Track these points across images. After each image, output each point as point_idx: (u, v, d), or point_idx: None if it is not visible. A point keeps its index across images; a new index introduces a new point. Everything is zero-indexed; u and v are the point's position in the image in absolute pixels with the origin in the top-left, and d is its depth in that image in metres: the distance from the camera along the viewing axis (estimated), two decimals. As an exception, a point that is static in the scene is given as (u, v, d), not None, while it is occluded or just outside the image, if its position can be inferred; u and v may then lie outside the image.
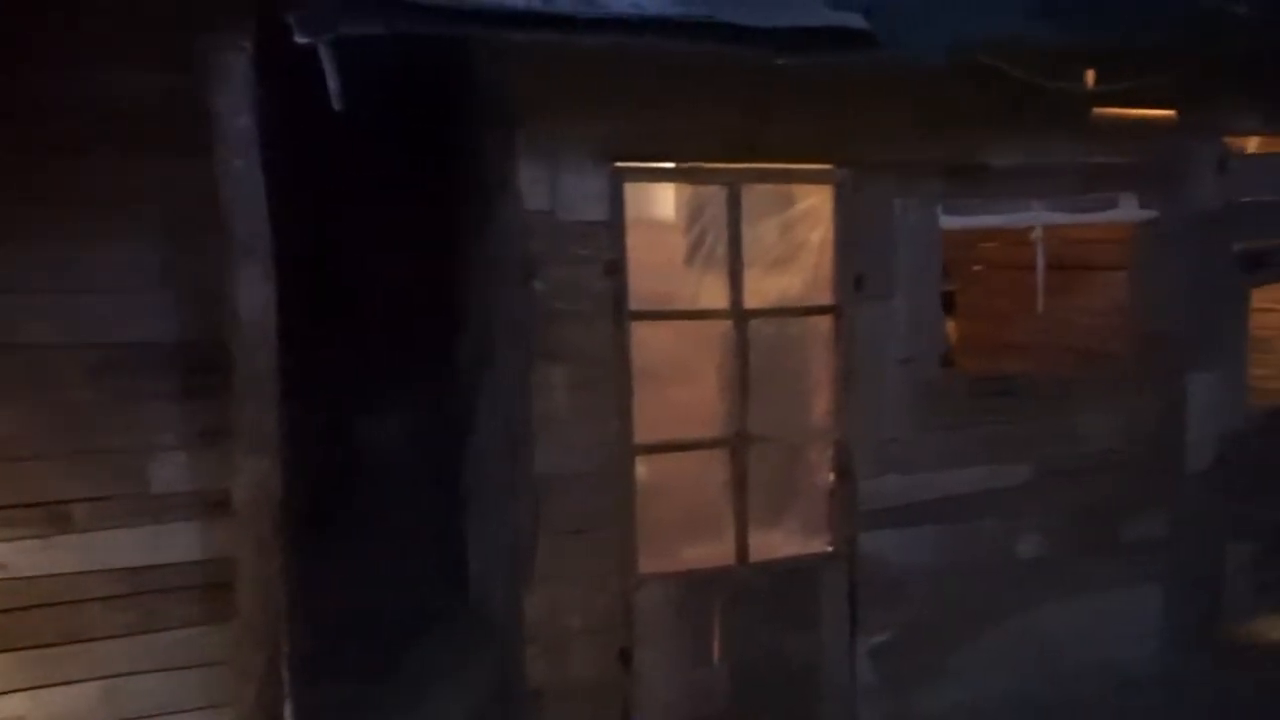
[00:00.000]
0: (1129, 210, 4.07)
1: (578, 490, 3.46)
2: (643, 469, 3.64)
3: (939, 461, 3.95)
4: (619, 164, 3.41)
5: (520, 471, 3.48)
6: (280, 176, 3.03)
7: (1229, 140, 4.36)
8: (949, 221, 3.82)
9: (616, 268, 3.43)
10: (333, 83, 2.61)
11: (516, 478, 3.52)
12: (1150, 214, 4.09)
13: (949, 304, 6.03)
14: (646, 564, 3.62)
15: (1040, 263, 3.89)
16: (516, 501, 3.52)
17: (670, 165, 3.65)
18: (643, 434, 3.58)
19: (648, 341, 3.65)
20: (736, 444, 3.68)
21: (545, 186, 3.37)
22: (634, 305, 3.52)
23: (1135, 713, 4.21)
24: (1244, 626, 4.70)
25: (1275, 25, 3.85)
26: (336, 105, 2.63)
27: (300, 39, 2.60)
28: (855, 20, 3.09)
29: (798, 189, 3.85)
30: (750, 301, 3.70)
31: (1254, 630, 4.79)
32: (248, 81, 2.73)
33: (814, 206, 3.81)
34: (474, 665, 4.14)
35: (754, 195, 3.74)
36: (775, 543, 3.88)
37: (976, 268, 5.60)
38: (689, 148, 3.60)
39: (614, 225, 3.44)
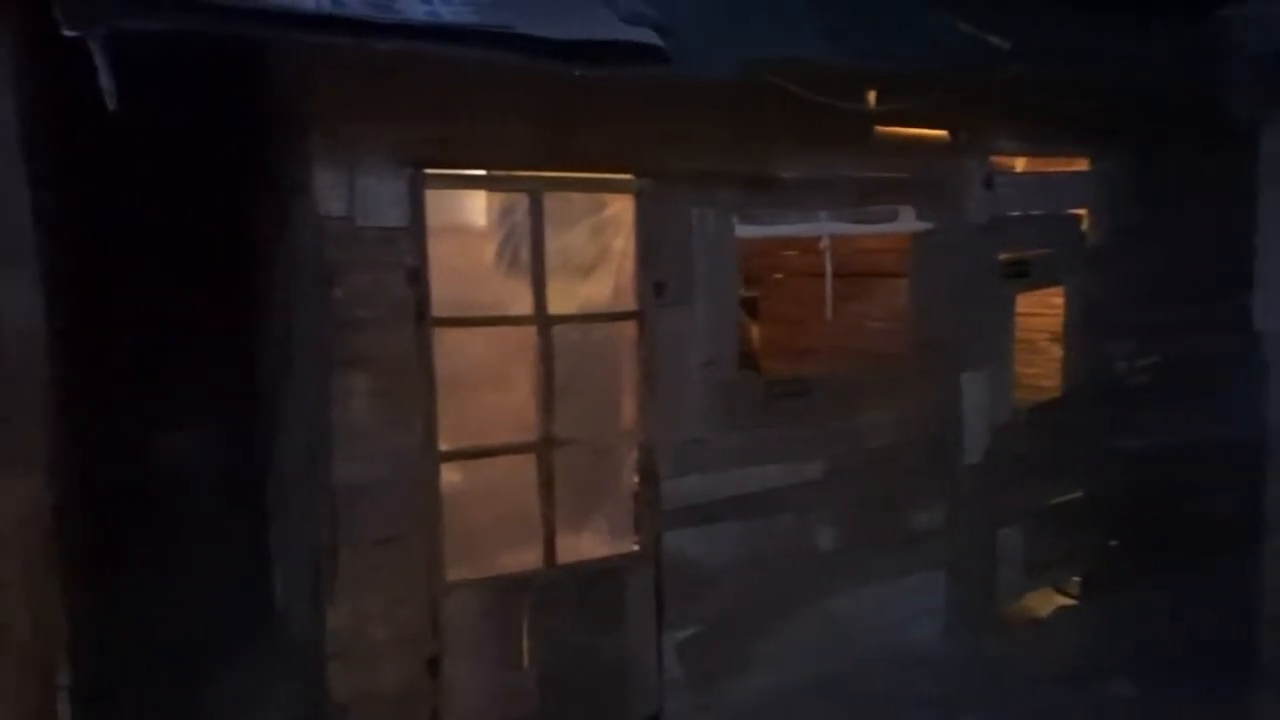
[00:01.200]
0: (907, 222, 4.37)
1: (381, 499, 3.42)
2: (449, 476, 3.63)
3: (738, 460, 4.12)
4: (419, 169, 3.39)
5: (320, 482, 3.41)
6: (52, 178, 2.86)
7: (996, 159, 4.75)
8: (744, 230, 4.00)
9: (418, 274, 3.41)
10: (105, 80, 2.48)
11: (317, 489, 3.45)
12: (926, 225, 4.41)
13: (752, 310, 6.32)
14: (455, 571, 3.61)
15: (828, 270, 4.12)
16: (317, 513, 3.44)
17: (472, 172, 3.66)
18: (449, 441, 3.58)
19: (455, 348, 3.64)
20: (543, 448, 3.72)
21: (344, 191, 3.31)
22: (440, 312, 3.51)
23: (922, 689, 4.51)
24: (1015, 604, 5.13)
25: (1028, 57, 4.23)
26: (110, 104, 2.50)
27: (68, 32, 2.46)
28: (648, 36, 3.20)
29: (601, 197, 3.94)
30: (556, 307, 3.75)
31: (1024, 607, 5.24)
32: (6, 74, 2.56)
33: (617, 214, 3.91)
34: (278, 685, 4.01)
35: (559, 203, 3.80)
36: (583, 545, 3.96)
37: (777, 275, 5.89)
38: (491, 154, 3.62)
39: (415, 231, 3.42)
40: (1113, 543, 5.25)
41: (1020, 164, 5.32)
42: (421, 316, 3.44)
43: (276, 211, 3.76)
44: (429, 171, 3.43)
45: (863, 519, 4.42)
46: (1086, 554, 5.25)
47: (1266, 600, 3.92)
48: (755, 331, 6.14)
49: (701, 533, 4.05)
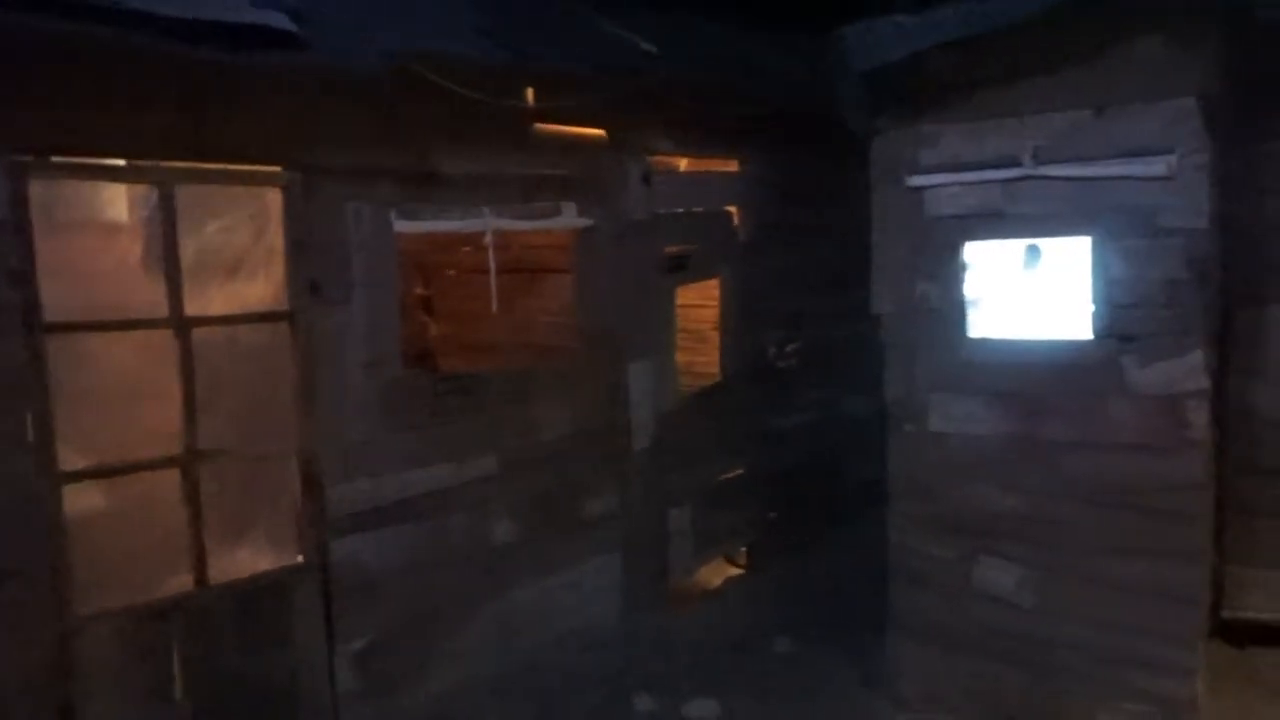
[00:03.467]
0: (570, 218, 4.48)
1: (-9, 532, 3.02)
2: (82, 498, 3.28)
3: (409, 461, 4.03)
4: (19, 158, 3.02)
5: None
6: None
7: (655, 159, 4.98)
8: (404, 226, 3.92)
9: (23, 276, 3.03)
10: None
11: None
12: (588, 221, 4.54)
13: (428, 307, 6.25)
14: (90, 603, 3.26)
15: (492, 266, 4.13)
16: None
17: (93, 162, 3.31)
18: (75, 459, 3.22)
19: (83, 357, 3.29)
20: (188, 462, 3.44)
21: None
22: (57, 317, 3.14)
23: (600, 669, 4.68)
24: (688, 578, 5.44)
25: (674, 63, 4.48)
26: None
27: None
28: (280, 20, 3.04)
29: (249, 191, 3.70)
30: (202, 309, 3.49)
31: (697, 580, 5.58)
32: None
33: (266, 209, 3.69)
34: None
35: (199, 197, 3.53)
36: (241, 561, 3.71)
37: (450, 272, 5.85)
38: (120, 143, 3.29)
39: (19, 228, 3.04)
40: (772, 514, 5.69)
41: (684, 164, 5.62)
42: (31, 324, 3.06)
43: None
44: (34, 161, 3.06)
45: (538, 511, 4.49)
46: (751, 526, 5.65)
47: (892, 556, 4.43)
48: (431, 329, 6.07)
49: (373, 538, 3.93)
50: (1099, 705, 3.95)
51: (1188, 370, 3.68)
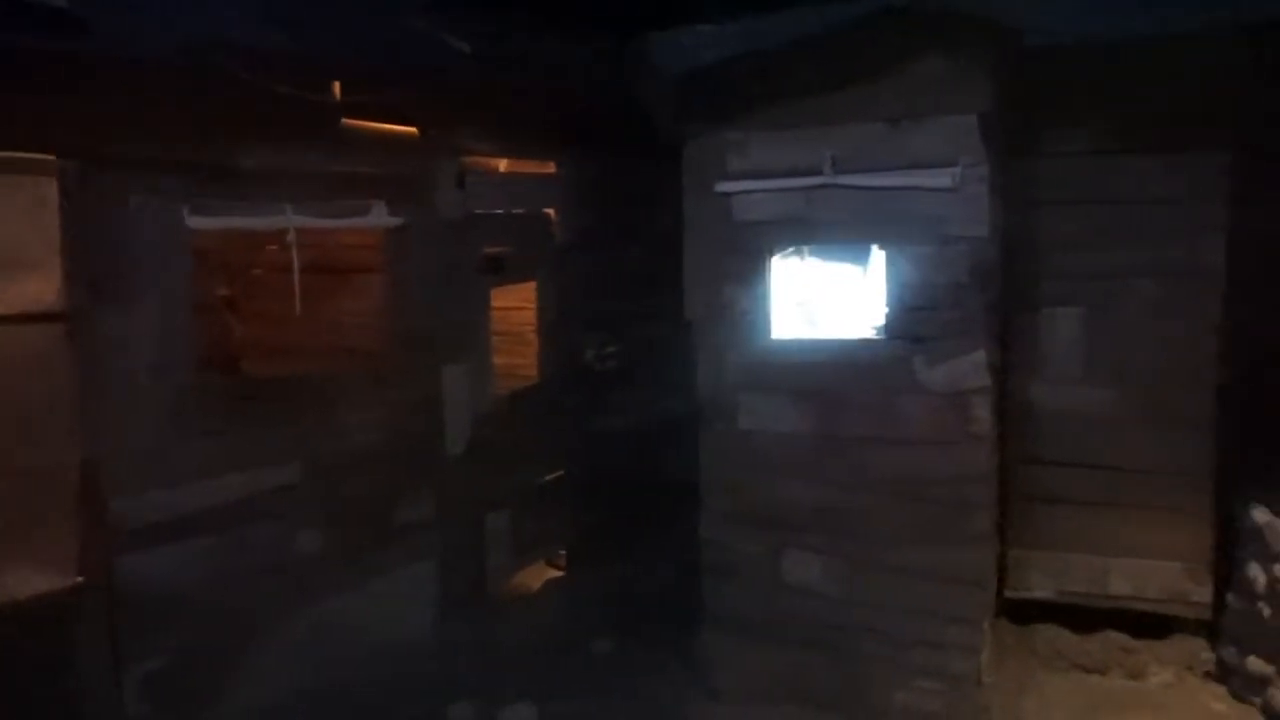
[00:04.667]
0: (380, 217, 4.36)
1: None
2: None
3: (206, 470, 3.82)
4: None
5: None
6: None
7: (468, 159, 4.91)
8: (197, 222, 3.70)
9: None
10: None
11: None
12: (399, 221, 4.43)
13: (231, 307, 5.95)
14: None
15: (295, 265, 3.97)
16: None
17: None
18: None
19: None
20: (-56, 477, 3.14)
21: None
22: None
23: (418, 680, 4.56)
24: (507, 583, 5.39)
25: (488, 63, 4.44)
26: None
27: None
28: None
29: (18, 180, 3.40)
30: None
31: (516, 584, 5.54)
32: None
33: (39, 201, 3.40)
34: None
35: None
36: (12, 583, 3.40)
37: (256, 271, 5.59)
38: None
39: None
40: (592, 515, 5.72)
41: (504, 165, 5.57)
42: None
43: None
44: None
45: (348, 519, 4.34)
46: (570, 528, 5.66)
47: (704, 552, 4.53)
48: (235, 330, 5.78)
49: (166, 552, 3.70)
50: (897, 686, 4.17)
51: (972, 368, 3.94)
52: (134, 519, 3.59)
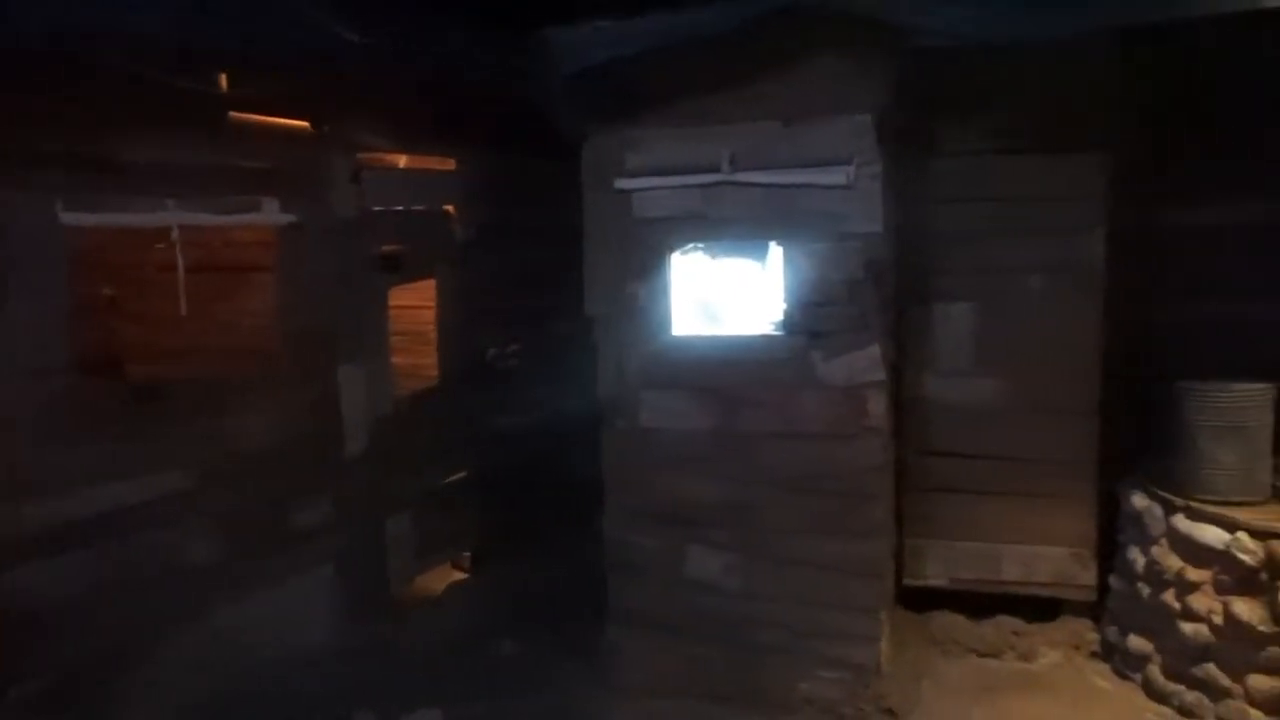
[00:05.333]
0: (271, 214, 4.23)
1: None
2: None
3: (89, 478, 3.67)
4: None
5: None
6: None
7: (365, 154, 4.80)
8: (72, 219, 3.54)
9: None
10: None
11: None
12: (291, 218, 4.31)
13: (116, 308, 5.71)
14: None
15: (180, 264, 3.83)
16: None
17: None
18: None
19: None
20: None
21: None
22: None
23: (318, 688, 4.44)
24: (410, 586, 5.30)
25: (381, 54, 4.34)
26: None
27: None
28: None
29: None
30: None
31: (419, 587, 5.45)
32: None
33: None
34: None
35: None
36: None
37: (143, 270, 5.37)
38: None
39: None
40: (497, 516, 5.67)
41: (404, 161, 5.46)
42: None
43: None
44: None
45: (242, 526, 4.22)
46: (475, 529, 5.60)
47: (608, 550, 4.52)
48: (121, 333, 5.55)
49: (44, 566, 3.54)
50: (798, 676, 4.23)
51: (867, 363, 4.02)
52: (9, 532, 3.42)
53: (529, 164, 5.63)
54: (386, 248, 4.88)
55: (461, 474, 5.46)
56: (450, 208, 5.31)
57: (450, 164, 5.36)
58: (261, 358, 4.54)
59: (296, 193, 4.33)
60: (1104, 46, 4.33)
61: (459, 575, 5.75)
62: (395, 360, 5.37)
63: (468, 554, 5.74)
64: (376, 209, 4.79)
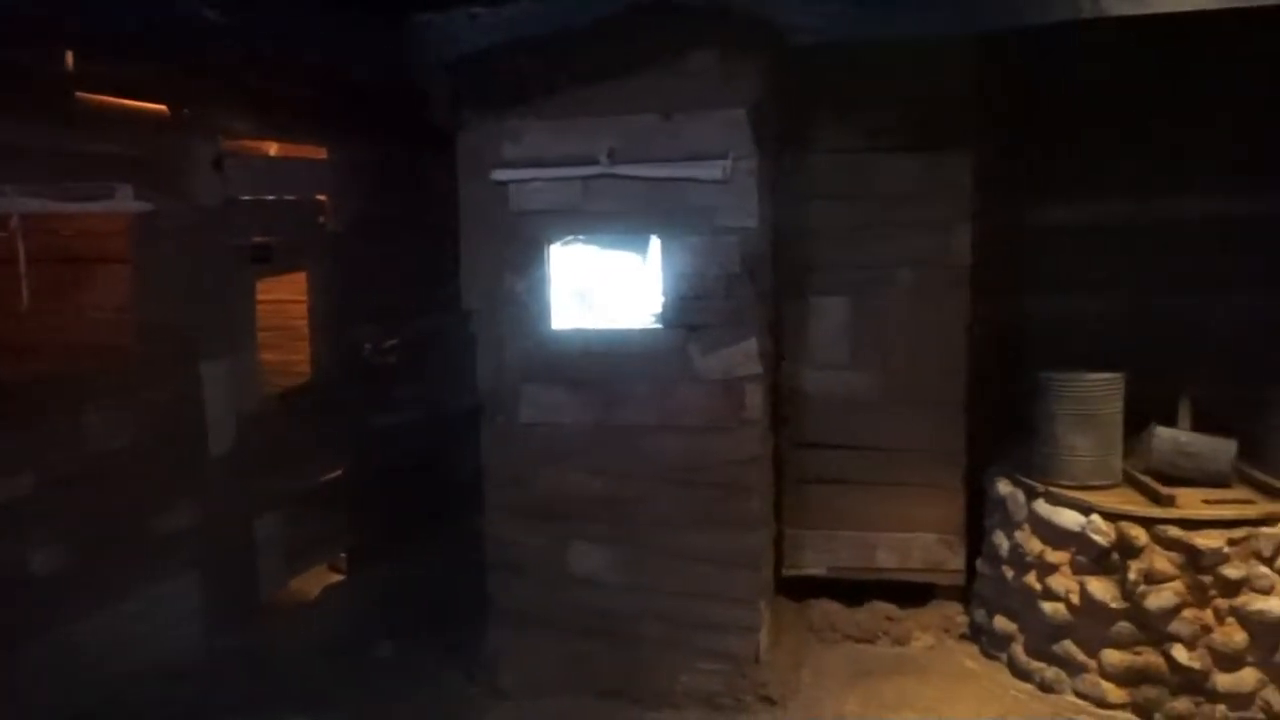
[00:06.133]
0: (125, 202, 3.99)
1: None
2: None
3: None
4: None
5: None
6: None
7: (230, 141, 4.59)
8: (-105, 205, 3.28)
9: None
10: None
11: None
12: (147, 206, 4.07)
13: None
14: None
15: (21, 254, 3.59)
16: None
17: None
18: None
19: None
20: None
21: None
22: None
23: (189, 699, 4.24)
24: (282, 589, 5.11)
25: (253, 39, 4.16)
26: None
27: None
28: None
29: None
30: None
31: (292, 590, 5.25)
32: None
33: None
34: None
35: None
36: None
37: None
38: None
39: None
40: (376, 515, 5.51)
41: (273, 149, 5.25)
42: None
43: None
44: None
45: (94, 532, 3.96)
46: (352, 529, 5.43)
47: (489, 548, 4.45)
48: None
49: None
50: (680, 669, 4.25)
51: (744, 356, 4.06)
52: None
53: (407, 154, 5.49)
54: (254, 239, 4.67)
55: (337, 473, 5.29)
56: (323, 197, 5.13)
57: (322, 152, 5.17)
58: (116, 354, 4.28)
59: (153, 180, 4.09)
60: (967, 49, 4.47)
61: (336, 577, 5.58)
62: (266, 356, 5.17)
63: (344, 555, 5.56)
64: (243, 198, 4.58)
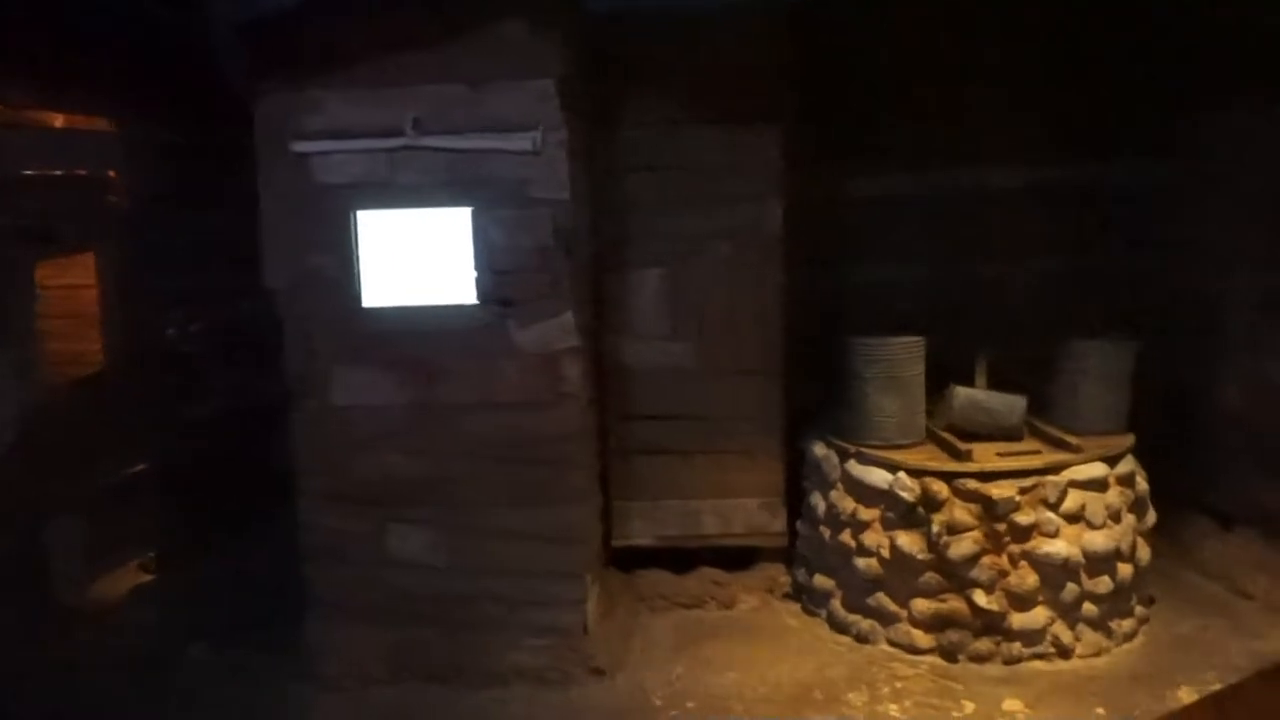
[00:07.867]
0: None
1: None
2: None
3: None
4: None
5: None
6: None
7: (1, 109, 4.22)
8: None
9: None
10: None
11: None
12: (-101, 182, 3.72)
13: None
14: None
15: None
16: None
17: None
18: None
19: None
20: None
21: None
22: None
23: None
24: (82, 595, 4.78)
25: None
26: None
27: None
28: None
29: None
30: None
31: (94, 596, 4.92)
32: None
33: None
34: None
35: None
36: None
37: None
38: None
39: None
40: (187, 510, 5.23)
41: (58, 121, 4.84)
42: None
43: None
44: None
45: None
46: (161, 526, 5.14)
47: (305, 537, 4.28)
48: None
49: None
50: (509, 647, 4.21)
51: (561, 330, 4.03)
52: None
53: (212, 125, 5.18)
54: (32, 219, 4.32)
55: (141, 467, 4.98)
56: (112, 173, 4.79)
57: (112, 125, 4.83)
58: None
59: (-94, 153, 3.74)
60: (775, 20, 4.55)
61: (144, 578, 5.26)
62: (55, 346, 4.82)
63: (152, 554, 5.25)
64: (17, 174, 4.23)
